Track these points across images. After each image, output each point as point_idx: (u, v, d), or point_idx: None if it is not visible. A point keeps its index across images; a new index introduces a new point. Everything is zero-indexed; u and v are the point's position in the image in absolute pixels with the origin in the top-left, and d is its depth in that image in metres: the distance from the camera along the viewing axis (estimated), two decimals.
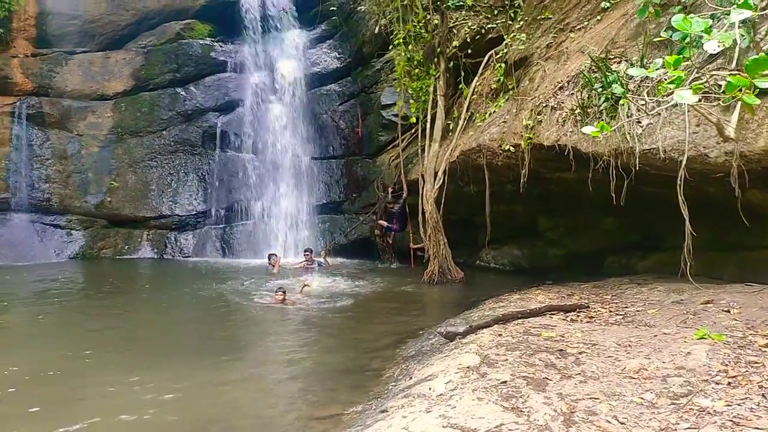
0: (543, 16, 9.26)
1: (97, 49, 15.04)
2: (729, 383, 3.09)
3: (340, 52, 15.00)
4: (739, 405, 2.79)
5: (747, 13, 2.58)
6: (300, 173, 14.53)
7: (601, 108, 6.54)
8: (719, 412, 2.74)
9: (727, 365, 3.36)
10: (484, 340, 4.51)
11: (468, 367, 3.78)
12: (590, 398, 3.10)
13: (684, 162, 5.44)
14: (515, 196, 8.90)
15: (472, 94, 10.08)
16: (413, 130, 11.90)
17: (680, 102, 2.73)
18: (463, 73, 10.45)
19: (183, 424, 4.06)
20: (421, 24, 10.77)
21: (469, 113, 10.05)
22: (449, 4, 10.40)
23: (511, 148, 8.36)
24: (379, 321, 7.19)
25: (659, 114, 5.68)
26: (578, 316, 5.41)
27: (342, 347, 5.97)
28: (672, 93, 2.77)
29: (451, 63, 10.59)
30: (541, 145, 7.65)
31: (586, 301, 6.13)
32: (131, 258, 14.07)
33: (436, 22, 10.53)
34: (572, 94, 7.26)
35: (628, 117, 6.11)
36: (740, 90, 2.58)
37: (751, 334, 4.00)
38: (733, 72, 3.55)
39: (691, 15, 2.83)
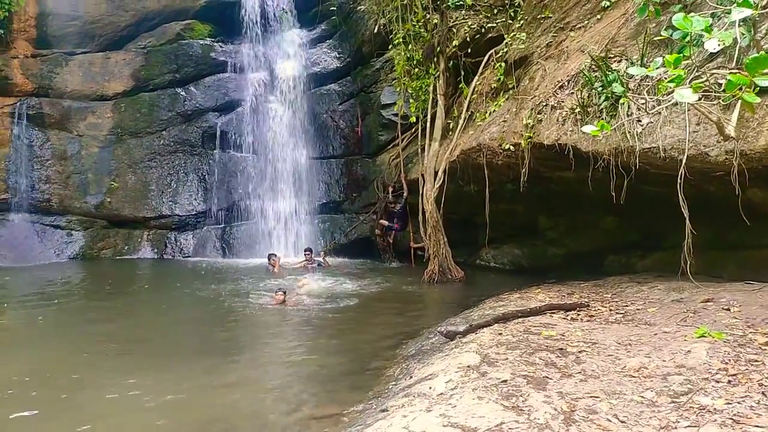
0: (543, 15, 9.25)
1: (97, 49, 15.05)
2: (729, 381, 3.09)
3: (340, 52, 15.01)
4: (739, 403, 2.79)
5: (747, 12, 2.57)
6: (300, 173, 14.53)
7: (602, 107, 6.55)
8: (719, 411, 2.74)
9: (727, 363, 3.36)
10: (485, 339, 4.51)
11: (468, 366, 3.78)
12: (590, 397, 3.10)
13: (684, 161, 5.44)
14: (515, 195, 8.90)
15: (472, 94, 10.07)
16: (413, 130, 11.90)
17: (680, 101, 2.73)
18: (463, 73, 10.44)
19: (183, 424, 4.06)
20: (420, 23, 10.76)
21: (469, 112, 10.04)
22: (449, 3, 10.38)
23: (512, 148, 8.36)
24: (379, 320, 7.18)
25: (659, 113, 5.68)
26: (578, 314, 5.40)
27: (342, 347, 5.97)
28: (672, 92, 2.76)
29: (451, 62, 10.57)
30: (541, 144, 7.65)
31: (587, 300, 6.12)
32: (131, 258, 14.07)
33: (436, 21, 10.51)
34: (572, 93, 7.25)
35: (628, 116, 6.11)
36: (740, 88, 2.57)
37: (751, 333, 4.00)
38: (733, 70, 3.54)
39: (692, 14, 2.83)
